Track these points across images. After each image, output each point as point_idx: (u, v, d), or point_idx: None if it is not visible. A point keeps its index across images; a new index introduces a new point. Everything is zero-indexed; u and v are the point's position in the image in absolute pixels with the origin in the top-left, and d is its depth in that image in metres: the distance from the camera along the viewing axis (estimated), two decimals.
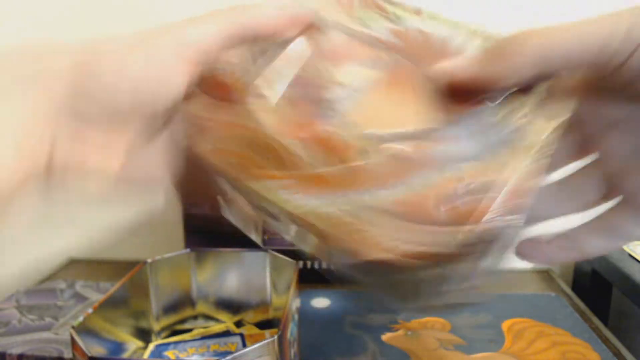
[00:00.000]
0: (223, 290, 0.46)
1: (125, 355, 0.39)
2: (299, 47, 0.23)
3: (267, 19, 0.24)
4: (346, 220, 0.19)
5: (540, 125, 0.20)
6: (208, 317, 0.46)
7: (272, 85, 0.23)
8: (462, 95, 0.21)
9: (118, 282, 0.39)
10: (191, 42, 0.23)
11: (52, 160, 0.23)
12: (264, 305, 0.45)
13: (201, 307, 0.46)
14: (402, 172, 0.19)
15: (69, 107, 0.22)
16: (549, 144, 0.20)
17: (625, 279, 0.52)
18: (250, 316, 0.46)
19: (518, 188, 0.18)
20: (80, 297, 0.53)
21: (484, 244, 0.18)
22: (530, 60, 0.20)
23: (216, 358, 0.30)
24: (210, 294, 0.46)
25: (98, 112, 0.23)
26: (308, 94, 0.22)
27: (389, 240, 0.17)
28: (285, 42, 0.24)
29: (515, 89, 0.21)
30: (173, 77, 0.23)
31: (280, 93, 0.23)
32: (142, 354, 0.41)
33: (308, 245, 0.21)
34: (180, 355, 0.41)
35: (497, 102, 0.21)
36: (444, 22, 0.23)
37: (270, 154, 0.21)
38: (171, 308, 0.44)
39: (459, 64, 0.22)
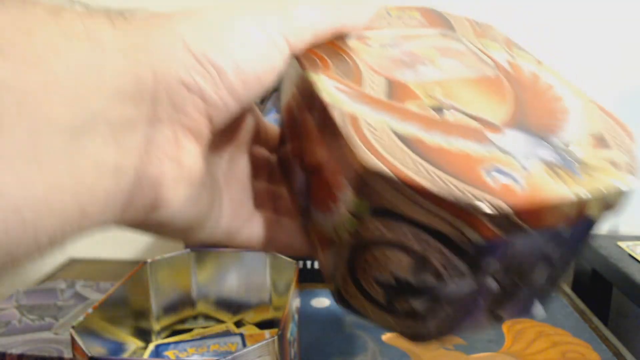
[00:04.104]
0: (223, 290, 0.46)
1: (125, 355, 0.39)
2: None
3: (363, 21, 0.23)
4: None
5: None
6: (208, 317, 0.46)
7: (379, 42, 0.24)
8: None
9: (118, 282, 0.39)
10: (299, 26, 0.20)
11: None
12: (264, 305, 0.45)
13: (201, 307, 0.46)
14: (466, 134, 0.19)
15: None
16: None
17: (625, 279, 0.52)
18: (250, 316, 0.46)
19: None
20: (80, 297, 0.53)
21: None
22: None
23: (216, 358, 0.30)
24: (210, 294, 0.46)
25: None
26: (405, 58, 0.23)
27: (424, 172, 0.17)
28: None
29: None
30: (275, 56, 0.19)
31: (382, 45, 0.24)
32: (142, 354, 0.41)
33: None
34: (180, 355, 0.41)
35: None
36: (559, 77, 0.23)
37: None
38: (171, 308, 0.44)
39: None
